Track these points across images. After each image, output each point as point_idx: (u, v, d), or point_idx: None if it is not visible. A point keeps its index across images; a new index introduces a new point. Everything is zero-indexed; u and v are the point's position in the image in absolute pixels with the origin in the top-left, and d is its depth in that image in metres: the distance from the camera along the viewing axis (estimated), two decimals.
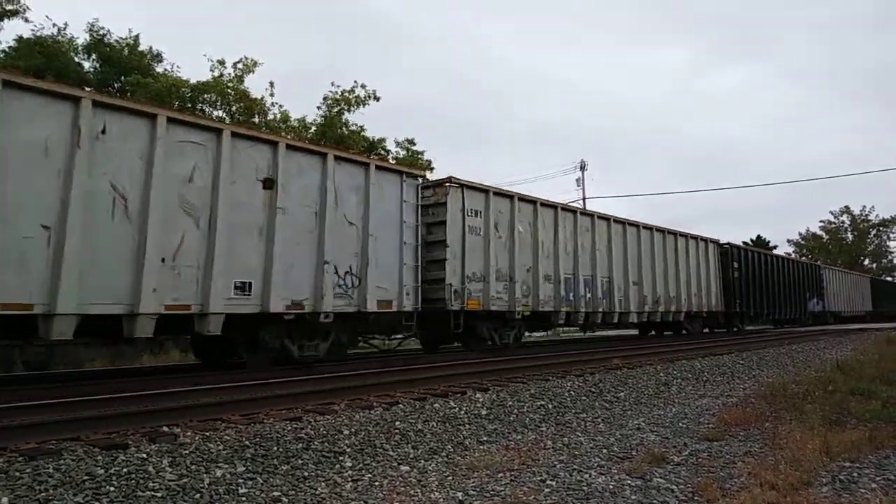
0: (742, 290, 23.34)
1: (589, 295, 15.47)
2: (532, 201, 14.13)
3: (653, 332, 21.51)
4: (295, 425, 5.47)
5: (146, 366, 12.35)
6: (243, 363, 9.64)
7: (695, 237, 21.00)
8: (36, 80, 7.33)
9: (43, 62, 18.30)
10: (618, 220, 17.18)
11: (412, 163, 22.18)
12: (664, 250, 18.85)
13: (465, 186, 12.43)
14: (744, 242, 39.61)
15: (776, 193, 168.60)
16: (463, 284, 12.02)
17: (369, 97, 22.80)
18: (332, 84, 23.64)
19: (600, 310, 15.82)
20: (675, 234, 19.66)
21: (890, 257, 69.67)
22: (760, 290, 24.94)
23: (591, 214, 16.37)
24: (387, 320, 11.05)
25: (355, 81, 24.30)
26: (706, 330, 22.95)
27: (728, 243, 23.54)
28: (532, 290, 13.71)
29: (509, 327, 13.49)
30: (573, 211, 15.68)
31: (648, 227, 18.29)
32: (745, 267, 23.85)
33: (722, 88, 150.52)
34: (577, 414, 7.15)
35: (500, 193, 13.40)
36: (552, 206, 14.82)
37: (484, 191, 12.94)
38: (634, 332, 22.60)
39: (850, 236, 67.81)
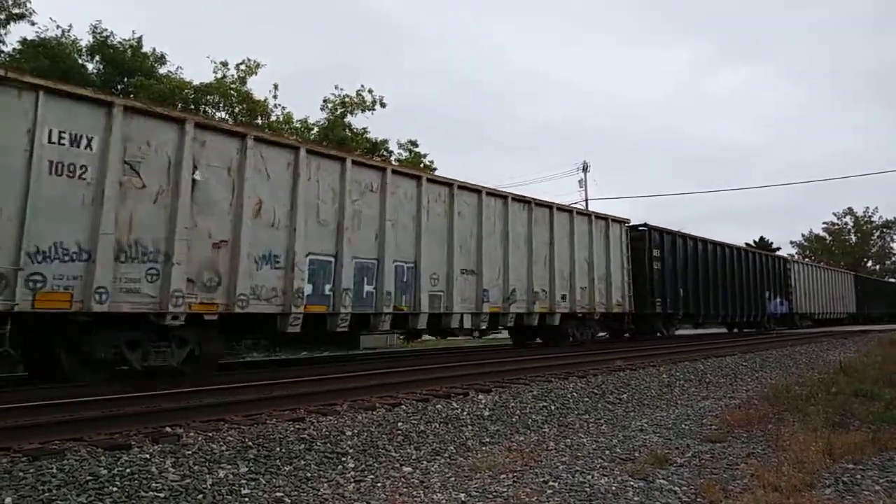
0: (667, 285, 18.23)
1: (369, 288, 10.32)
2: (239, 135, 8.88)
3: (539, 340, 16.01)
4: (298, 426, 5.47)
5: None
6: None
7: (585, 213, 15.87)
8: None
9: (47, 64, 18.36)
10: (437, 181, 11.95)
11: (416, 164, 22.11)
12: (529, 229, 13.68)
13: (42, 89, 6.95)
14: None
15: (779, 194, 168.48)
16: (18, 266, 6.72)
17: (376, 102, 23.00)
18: (336, 87, 23.85)
19: (387, 309, 10.55)
20: (549, 207, 14.36)
21: (894, 259, 69.63)
22: (696, 288, 19.90)
23: (381, 169, 10.87)
24: None
25: (362, 86, 24.46)
26: (626, 335, 18.43)
27: (645, 225, 18.02)
28: (227, 279, 8.49)
29: (171, 341, 8.16)
30: (340, 160, 10.13)
31: (499, 195, 13.20)
32: (673, 257, 18.70)
33: (723, 89, 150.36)
34: (580, 415, 7.15)
35: (144, 112, 7.92)
36: (290, 146, 9.62)
37: (103, 104, 7.52)
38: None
39: (853, 238, 67.70)
